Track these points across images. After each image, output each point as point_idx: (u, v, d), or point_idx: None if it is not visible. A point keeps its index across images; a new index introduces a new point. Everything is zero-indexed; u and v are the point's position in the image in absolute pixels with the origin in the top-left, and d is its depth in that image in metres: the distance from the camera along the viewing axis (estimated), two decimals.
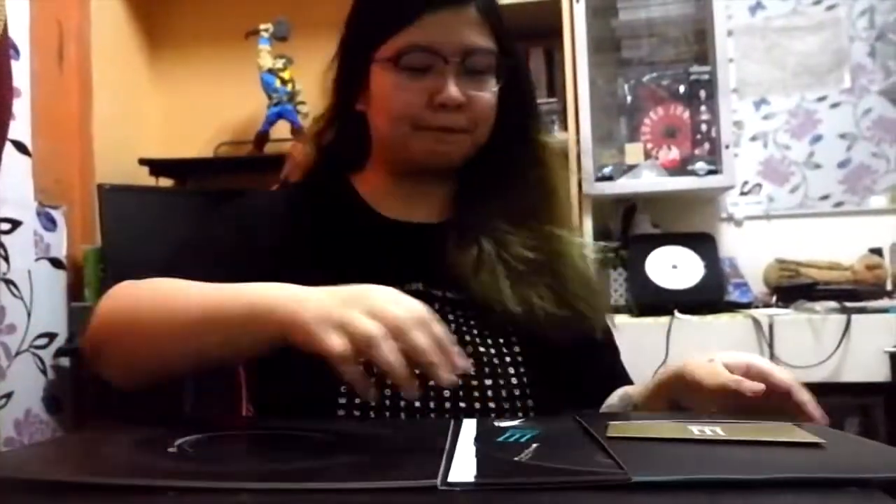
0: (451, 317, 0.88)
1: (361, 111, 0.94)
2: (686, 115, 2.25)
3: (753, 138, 2.43)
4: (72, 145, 2.40)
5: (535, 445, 0.53)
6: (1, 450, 1.84)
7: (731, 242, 2.39)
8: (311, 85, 2.62)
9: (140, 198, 2.45)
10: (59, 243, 2.30)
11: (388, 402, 0.80)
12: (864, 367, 1.84)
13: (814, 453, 0.53)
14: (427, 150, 0.90)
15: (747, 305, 2.10)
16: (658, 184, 2.20)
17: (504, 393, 0.84)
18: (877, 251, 2.20)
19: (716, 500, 0.43)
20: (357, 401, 0.80)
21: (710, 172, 2.16)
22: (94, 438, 0.64)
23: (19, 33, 2.17)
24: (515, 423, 0.60)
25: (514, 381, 0.85)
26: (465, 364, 0.60)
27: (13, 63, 1.99)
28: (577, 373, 0.91)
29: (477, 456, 0.51)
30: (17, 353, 2.12)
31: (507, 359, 0.87)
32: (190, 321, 0.71)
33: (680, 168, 2.21)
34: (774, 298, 2.13)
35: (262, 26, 2.58)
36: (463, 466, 0.48)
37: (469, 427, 0.62)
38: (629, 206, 2.33)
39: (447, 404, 0.82)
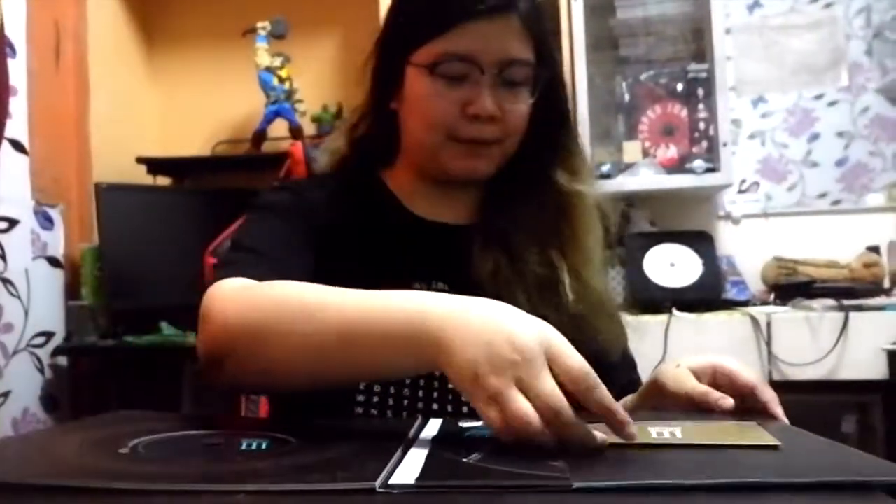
0: None
1: (395, 110, 0.93)
2: (684, 113, 2.25)
3: (751, 136, 2.43)
4: (69, 144, 2.39)
5: (488, 447, 0.53)
6: None
7: (728, 240, 2.39)
8: (309, 83, 2.66)
9: (137, 196, 2.45)
10: (56, 242, 2.29)
11: (406, 402, 0.81)
12: (861, 364, 1.84)
13: (768, 456, 0.53)
14: (457, 163, 0.89)
15: (745, 303, 2.10)
16: (656, 182, 2.20)
17: None
18: (874, 249, 2.20)
19: None
20: (375, 399, 0.81)
21: (708, 170, 2.17)
22: (46, 439, 0.63)
23: (16, 32, 2.17)
24: (478, 423, 0.60)
25: None
26: (631, 433, 0.55)
27: (10, 61, 1.99)
28: None
29: (427, 457, 0.51)
30: (15, 352, 2.12)
31: None
32: (338, 344, 0.64)
33: (678, 166, 2.21)
34: (772, 296, 2.13)
35: (260, 24, 2.57)
36: (409, 468, 0.48)
37: (431, 427, 0.62)
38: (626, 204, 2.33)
39: (465, 409, 0.82)
